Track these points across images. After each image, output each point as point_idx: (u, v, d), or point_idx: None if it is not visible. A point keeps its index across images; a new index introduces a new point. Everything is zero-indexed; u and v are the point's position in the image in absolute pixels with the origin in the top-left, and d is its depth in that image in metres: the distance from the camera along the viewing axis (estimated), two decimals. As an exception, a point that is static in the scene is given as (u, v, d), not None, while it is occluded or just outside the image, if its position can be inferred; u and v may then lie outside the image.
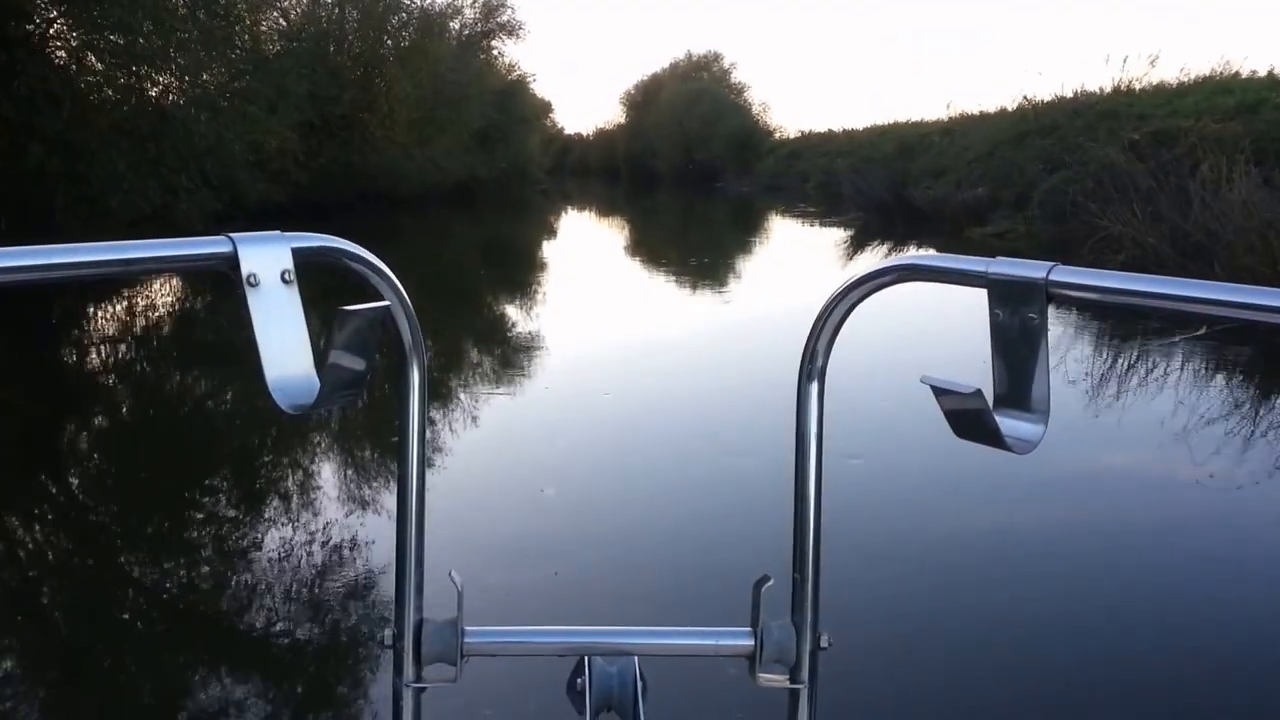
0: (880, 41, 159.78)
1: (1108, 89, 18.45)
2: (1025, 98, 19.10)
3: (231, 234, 0.67)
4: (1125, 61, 18.16)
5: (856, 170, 26.47)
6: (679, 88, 56.95)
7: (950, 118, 31.28)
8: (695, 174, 49.44)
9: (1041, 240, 12.60)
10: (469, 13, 34.73)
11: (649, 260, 16.77)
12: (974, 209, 15.40)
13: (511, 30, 36.29)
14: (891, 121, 37.76)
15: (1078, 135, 15.45)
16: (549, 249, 20.22)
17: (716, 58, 61.05)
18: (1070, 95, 18.95)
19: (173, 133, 13.40)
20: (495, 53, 36.60)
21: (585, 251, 18.76)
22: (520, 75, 40.72)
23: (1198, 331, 7.47)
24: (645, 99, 63.26)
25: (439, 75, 29.33)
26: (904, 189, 17.65)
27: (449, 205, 30.54)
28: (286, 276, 0.68)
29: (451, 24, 33.27)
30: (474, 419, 5.85)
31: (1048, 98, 19.42)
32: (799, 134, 48.05)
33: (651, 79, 64.85)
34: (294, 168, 22.86)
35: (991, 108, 28.43)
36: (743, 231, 22.59)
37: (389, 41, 29.12)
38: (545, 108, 42.76)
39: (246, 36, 17.87)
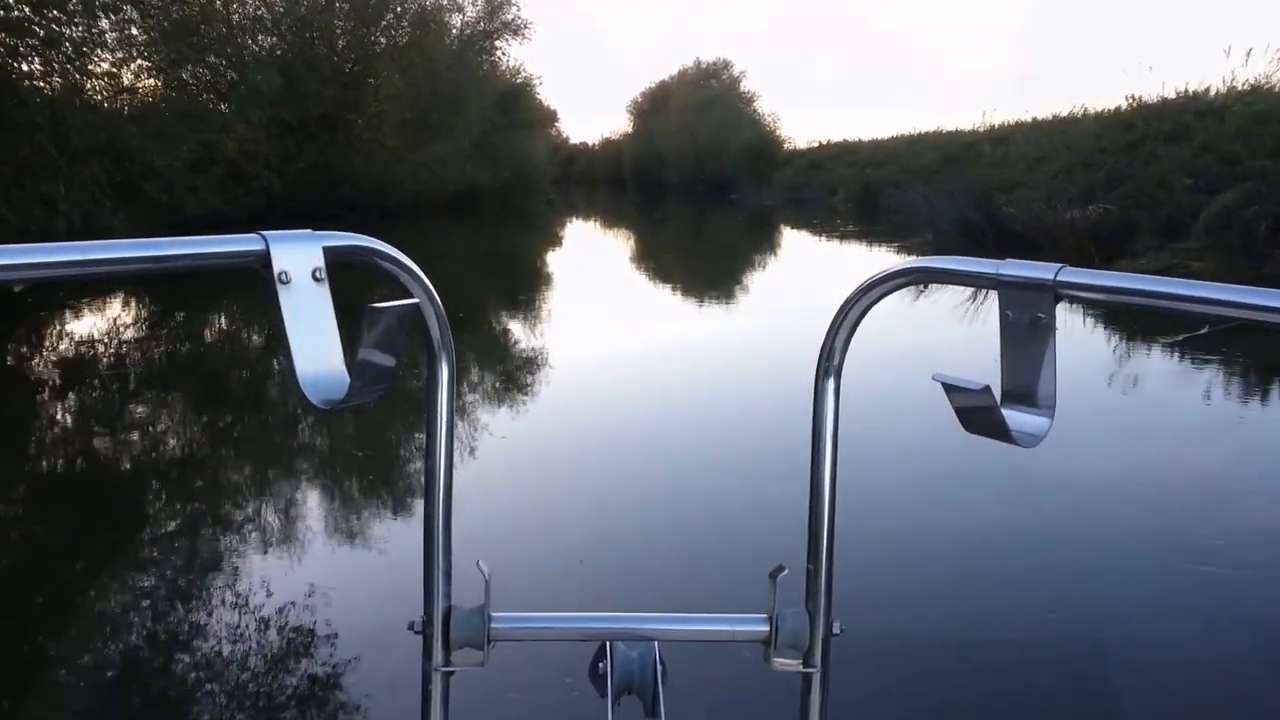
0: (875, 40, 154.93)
1: (1218, 88, 14.99)
2: (1131, 97, 15.54)
3: (264, 232, 0.67)
4: (1249, 55, 14.61)
5: (897, 183, 23.14)
6: (689, 95, 53.22)
7: (992, 125, 27.93)
8: (707, 185, 45.72)
9: (1245, 280, 8.91)
10: (471, 10, 31.11)
11: (685, 296, 13.18)
12: (1099, 233, 11.76)
13: (516, 30, 32.68)
14: (920, 130, 34.58)
15: (1229, 142, 11.88)
16: (559, 280, 16.55)
17: (726, 65, 57.35)
18: (1179, 95, 15.44)
19: (43, 127, 9.55)
20: (499, 53, 32.81)
21: (602, 287, 15.11)
22: (525, 78, 36.93)
23: (1200, 330, 7.48)
24: (653, 107, 59.60)
25: (435, 73, 25.66)
26: (994, 206, 13.88)
27: (447, 216, 26.85)
28: (318, 274, 0.67)
29: (453, 20, 29.65)
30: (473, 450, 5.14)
31: (1150, 99, 15.94)
32: (816, 144, 44.45)
33: (659, 87, 61.06)
34: (266, 172, 19.39)
35: (1041, 113, 25.30)
36: (784, 260, 18.83)
37: (381, 38, 25.50)
38: (550, 116, 38.55)
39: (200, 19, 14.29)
